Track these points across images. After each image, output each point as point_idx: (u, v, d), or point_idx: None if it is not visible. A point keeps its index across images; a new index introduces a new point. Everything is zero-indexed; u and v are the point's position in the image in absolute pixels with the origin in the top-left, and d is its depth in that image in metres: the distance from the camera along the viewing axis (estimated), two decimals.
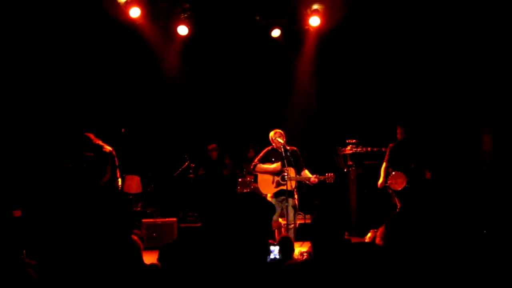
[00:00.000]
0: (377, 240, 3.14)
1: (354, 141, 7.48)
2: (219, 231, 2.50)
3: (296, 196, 5.90)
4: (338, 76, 8.78)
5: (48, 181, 6.41)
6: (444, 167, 7.33)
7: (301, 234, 6.11)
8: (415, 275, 2.25)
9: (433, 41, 7.73)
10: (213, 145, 8.66)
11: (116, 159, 6.20)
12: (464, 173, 7.41)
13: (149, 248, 5.18)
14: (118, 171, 6.26)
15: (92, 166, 6.03)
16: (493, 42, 7.36)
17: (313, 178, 5.85)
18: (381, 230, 3.08)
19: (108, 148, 6.16)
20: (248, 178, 7.64)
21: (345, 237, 2.57)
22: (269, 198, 5.91)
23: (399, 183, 6.47)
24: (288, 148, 5.90)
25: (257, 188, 6.11)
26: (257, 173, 6.05)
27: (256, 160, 6.09)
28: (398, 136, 6.68)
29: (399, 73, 8.23)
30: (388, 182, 6.52)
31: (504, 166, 7.16)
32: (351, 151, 7.49)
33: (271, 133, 6.05)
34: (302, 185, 6.60)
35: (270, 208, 2.26)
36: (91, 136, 6.11)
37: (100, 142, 6.16)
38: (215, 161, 8.68)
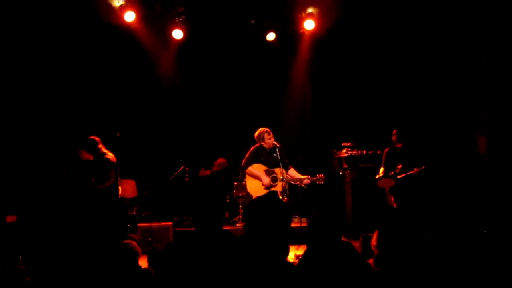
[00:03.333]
0: (372, 243, 3.14)
1: (349, 144, 7.46)
2: (214, 235, 2.50)
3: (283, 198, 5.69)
4: (333, 79, 8.79)
5: (43, 186, 6.35)
6: (439, 169, 7.35)
7: (297, 237, 6.08)
8: (410, 278, 2.25)
9: (429, 42, 7.76)
10: (221, 161, 8.57)
11: (118, 168, 6.08)
12: (459, 176, 7.42)
13: (145, 253, 5.15)
14: (119, 179, 6.15)
15: (90, 171, 5.93)
16: (490, 42, 7.39)
17: (306, 179, 5.81)
18: (376, 233, 3.08)
19: (110, 155, 6.02)
20: (244, 182, 7.60)
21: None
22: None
23: (387, 183, 6.66)
24: (278, 145, 5.77)
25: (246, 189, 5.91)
26: (247, 174, 5.93)
27: (244, 161, 5.89)
28: (393, 138, 6.73)
29: (394, 75, 8.26)
30: (378, 183, 6.71)
31: (499, 169, 7.18)
32: (346, 154, 7.48)
33: (261, 133, 5.87)
34: (297, 188, 6.57)
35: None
36: (97, 139, 6.00)
37: (104, 149, 6.03)
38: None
